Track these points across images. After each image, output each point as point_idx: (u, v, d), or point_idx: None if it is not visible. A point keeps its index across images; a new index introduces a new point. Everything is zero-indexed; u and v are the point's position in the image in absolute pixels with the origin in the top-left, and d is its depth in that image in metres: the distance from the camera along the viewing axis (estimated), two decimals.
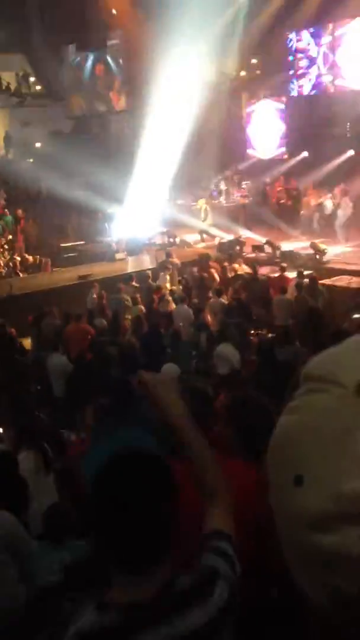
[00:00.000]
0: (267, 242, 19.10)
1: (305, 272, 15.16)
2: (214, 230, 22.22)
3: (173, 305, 14.10)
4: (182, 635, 1.57)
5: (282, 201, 23.50)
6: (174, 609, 1.59)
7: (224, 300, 13.97)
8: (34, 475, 5.54)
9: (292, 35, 25.48)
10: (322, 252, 17.60)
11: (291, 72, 25.80)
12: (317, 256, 17.54)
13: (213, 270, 16.45)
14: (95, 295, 15.22)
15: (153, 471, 1.64)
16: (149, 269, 17.52)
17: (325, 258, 17.50)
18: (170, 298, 14.59)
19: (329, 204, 20.91)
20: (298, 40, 25.45)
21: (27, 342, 13.87)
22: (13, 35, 27.25)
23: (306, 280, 14.35)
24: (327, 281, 15.03)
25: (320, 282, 14.45)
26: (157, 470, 1.65)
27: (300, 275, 14.72)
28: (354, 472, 0.69)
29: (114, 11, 28.22)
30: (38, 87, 30.91)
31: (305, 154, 24.27)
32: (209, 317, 13.47)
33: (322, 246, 17.87)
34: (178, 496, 1.65)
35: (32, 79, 31.04)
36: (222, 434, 3.14)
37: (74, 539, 4.24)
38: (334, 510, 0.70)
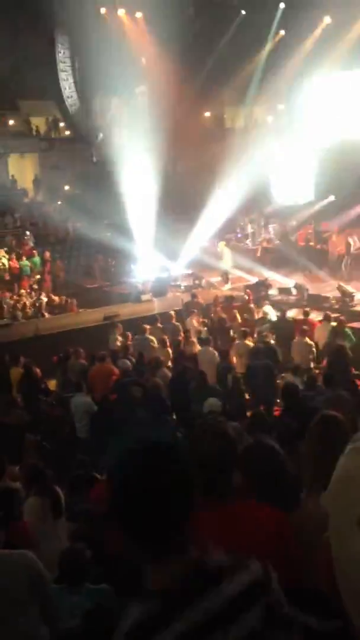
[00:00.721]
0: (295, 285, 19.05)
1: (333, 315, 15.06)
2: (237, 272, 22.26)
3: (198, 347, 14.07)
4: (218, 608, 1.63)
5: (310, 244, 23.52)
6: (206, 587, 1.66)
7: (249, 342, 13.91)
8: (39, 521, 5.53)
9: (315, 81, 25.78)
10: (350, 295, 17.50)
11: (315, 117, 26.05)
12: (345, 299, 17.44)
13: (235, 312, 16.45)
14: (118, 336, 15.24)
15: (174, 457, 1.72)
16: (174, 311, 17.54)
17: (353, 301, 17.41)
18: (195, 340, 14.57)
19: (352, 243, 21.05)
20: (321, 86, 25.73)
21: (53, 383, 13.90)
22: (44, 83, 27.94)
23: (334, 323, 14.27)
24: (355, 324, 14.93)
25: (349, 325, 14.36)
26: (178, 456, 1.73)
27: (327, 318, 14.63)
28: None
29: (143, 60, 28.86)
30: (67, 132, 31.54)
31: (332, 197, 24.37)
32: (234, 359, 13.42)
33: (350, 289, 17.78)
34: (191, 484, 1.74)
35: (61, 124, 31.74)
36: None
37: (91, 583, 4.18)
38: None
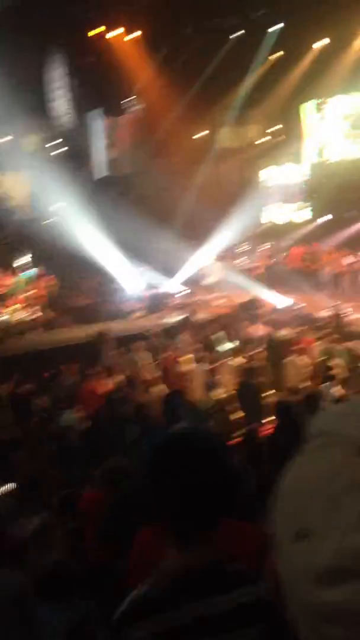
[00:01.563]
0: (289, 305, 19.05)
1: (327, 335, 15.04)
2: (229, 290, 22.30)
3: (191, 365, 14.05)
4: (219, 613, 1.63)
5: (305, 263, 23.58)
6: (223, 585, 1.67)
7: (239, 360, 13.92)
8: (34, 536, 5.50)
9: (312, 103, 25.98)
10: (345, 314, 17.50)
11: (310, 138, 26.24)
12: (340, 318, 17.44)
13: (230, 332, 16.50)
14: (110, 353, 15.21)
15: (208, 444, 1.77)
16: (168, 328, 17.52)
17: (348, 320, 17.41)
18: (187, 357, 14.54)
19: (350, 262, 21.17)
20: (318, 106, 25.94)
21: (44, 399, 13.81)
22: (40, 100, 28.11)
23: (328, 342, 14.27)
24: (349, 344, 14.94)
25: (343, 344, 14.34)
26: (212, 444, 1.79)
27: (322, 337, 14.62)
28: (357, 526, 0.69)
29: (139, 78, 29.03)
30: (62, 149, 31.68)
31: (328, 217, 24.51)
32: (224, 377, 13.43)
33: (345, 308, 17.79)
34: (233, 475, 1.85)
35: (56, 141, 31.88)
36: None
37: (79, 599, 4.12)
38: (339, 565, 0.69)
